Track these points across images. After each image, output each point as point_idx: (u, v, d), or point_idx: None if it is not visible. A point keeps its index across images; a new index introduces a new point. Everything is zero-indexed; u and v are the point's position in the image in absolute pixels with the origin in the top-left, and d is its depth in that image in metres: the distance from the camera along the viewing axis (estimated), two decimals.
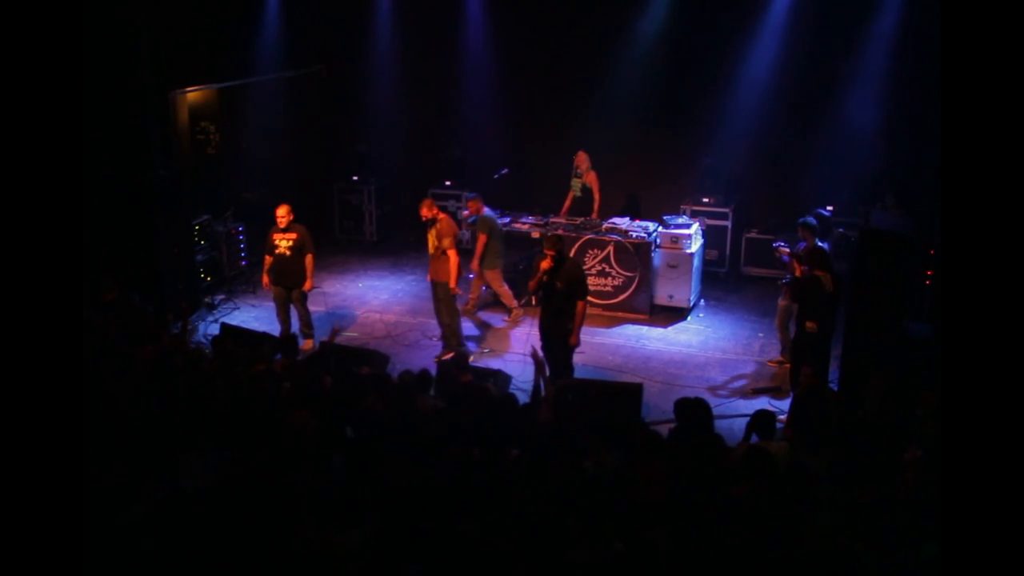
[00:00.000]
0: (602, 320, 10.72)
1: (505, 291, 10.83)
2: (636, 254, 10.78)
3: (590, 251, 10.91)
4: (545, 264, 8.17)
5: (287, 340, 8.55)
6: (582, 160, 11.62)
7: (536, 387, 7.18)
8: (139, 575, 4.27)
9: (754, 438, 6.35)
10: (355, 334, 10.50)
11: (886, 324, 7.87)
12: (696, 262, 10.97)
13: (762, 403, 8.52)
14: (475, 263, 10.60)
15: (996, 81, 3.36)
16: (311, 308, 10.10)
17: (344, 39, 13.46)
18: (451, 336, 9.72)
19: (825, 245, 9.24)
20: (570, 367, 8.48)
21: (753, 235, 12.05)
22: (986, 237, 3.35)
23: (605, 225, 11.08)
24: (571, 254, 10.58)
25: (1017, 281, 3.27)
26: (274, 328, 9.92)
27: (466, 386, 7.27)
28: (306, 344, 9.82)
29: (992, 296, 3.31)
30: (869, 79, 11.25)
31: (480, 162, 13.01)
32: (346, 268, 12.84)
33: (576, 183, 11.72)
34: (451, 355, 9.68)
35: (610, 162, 11.86)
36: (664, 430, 6.78)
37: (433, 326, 10.42)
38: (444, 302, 9.62)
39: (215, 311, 11.12)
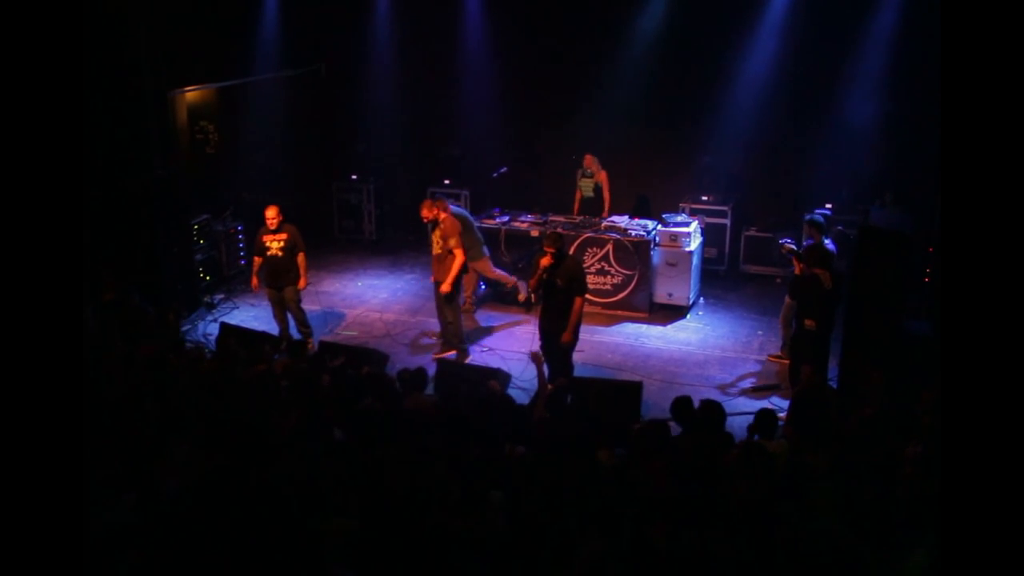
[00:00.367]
0: (601, 318, 10.72)
1: (499, 274, 10.88)
2: (635, 252, 10.78)
3: (589, 249, 10.92)
4: (545, 261, 8.17)
5: (294, 345, 8.54)
6: (591, 161, 11.66)
7: (540, 390, 7.22)
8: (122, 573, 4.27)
9: (755, 438, 6.37)
10: (354, 333, 10.50)
11: (885, 322, 7.87)
12: (695, 260, 10.97)
13: (762, 401, 8.53)
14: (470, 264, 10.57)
15: (997, 77, 3.36)
16: (306, 307, 10.08)
17: (343, 38, 13.45)
18: (453, 335, 9.72)
19: (831, 244, 9.26)
20: (570, 365, 8.49)
21: (752, 233, 12.05)
22: (986, 234, 3.35)
23: (604, 224, 11.09)
24: (570, 252, 10.59)
25: (1017, 278, 3.27)
26: (273, 327, 9.93)
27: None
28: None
29: (992, 293, 3.31)
30: (868, 77, 11.25)
31: (479, 161, 13.01)
32: (345, 267, 12.84)
33: (587, 183, 11.74)
34: (450, 353, 9.72)
35: (609, 160, 11.86)
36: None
37: (432, 324, 10.44)
38: (446, 300, 9.62)
39: (214, 310, 11.12)
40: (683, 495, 5.12)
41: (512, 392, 8.03)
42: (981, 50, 3.39)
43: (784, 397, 8.57)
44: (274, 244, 9.68)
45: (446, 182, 13.37)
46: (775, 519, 4.83)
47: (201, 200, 11.82)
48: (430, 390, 7.99)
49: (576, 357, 8.72)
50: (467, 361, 9.52)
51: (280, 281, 9.77)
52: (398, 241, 13.71)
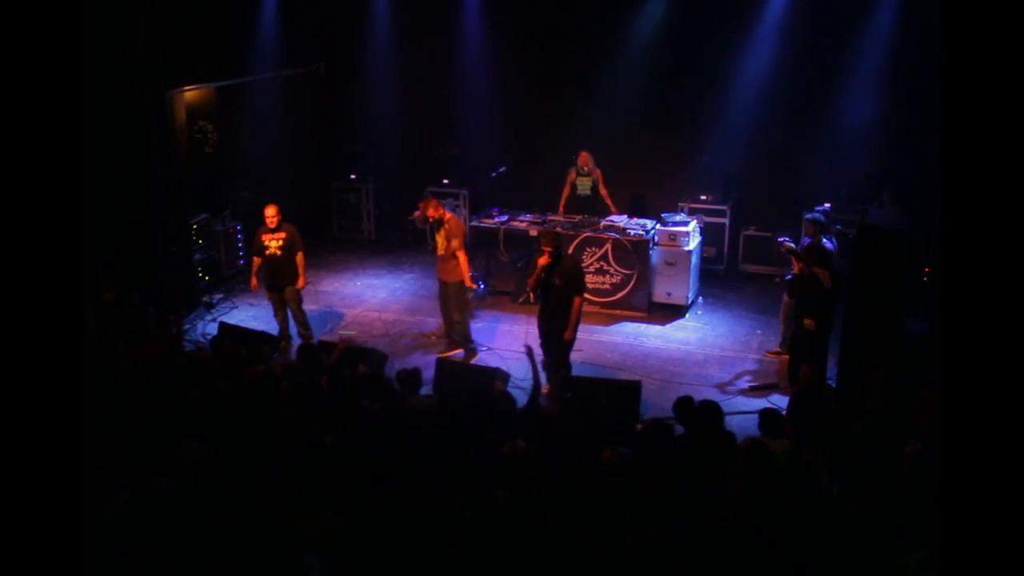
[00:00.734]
0: (600, 318, 10.72)
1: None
2: (634, 252, 10.79)
3: (588, 249, 10.92)
4: (543, 260, 8.17)
5: (304, 349, 8.54)
6: (586, 160, 11.63)
7: (535, 383, 7.19)
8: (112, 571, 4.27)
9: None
10: (353, 332, 10.50)
11: (884, 321, 7.88)
12: (694, 259, 10.98)
13: (762, 399, 8.53)
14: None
15: (997, 74, 3.36)
16: (307, 307, 10.08)
17: (341, 38, 13.45)
18: (461, 335, 9.72)
19: (829, 242, 9.27)
20: (567, 365, 8.49)
21: (751, 232, 12.07)
22: (986, 233, 3.35)
23: (603, 223, 11.09)
24: (569, 252, 10.60)
25: (1017, 277, 3.28)
26: (272, 326, 9.93)
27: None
28: (300, 345, 9.80)
29: (992, 292, 3.32)
30: (866, 76, 11.26)
31: (478, 160, 13.01)
32: (344, 267, 12.85)
33: (584, 182, 11.71)
34: (457, 351, 9.73)
35: (608, 160, 11.86)
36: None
37: (432, 324, 10.45)
38: (455, 300, 9.60)
39: (213, 310, 11.12)
40: (685, 494, 5.13)
41: (512, 392, 8.02)
42: (981, 49, 3.40)
43: (783, 396, 8.57)
44: (272, 243, 9.67)
45: (445, 181, 13.37)
46: (775, 518, 4.84)
47: (200, 200, 11.82)
48: (427, 390, 7.98)
49: (575, 356, 8.73)
50: (473, 361, 9.54)
51: (279, 281, 9.76)
52: (397, 241, 13.71)
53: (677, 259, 10.84)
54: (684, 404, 6.54)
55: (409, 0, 13.26)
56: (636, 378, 8.71)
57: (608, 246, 10.87)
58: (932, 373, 5.99)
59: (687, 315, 10.93)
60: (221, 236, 12.02)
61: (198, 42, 11.54)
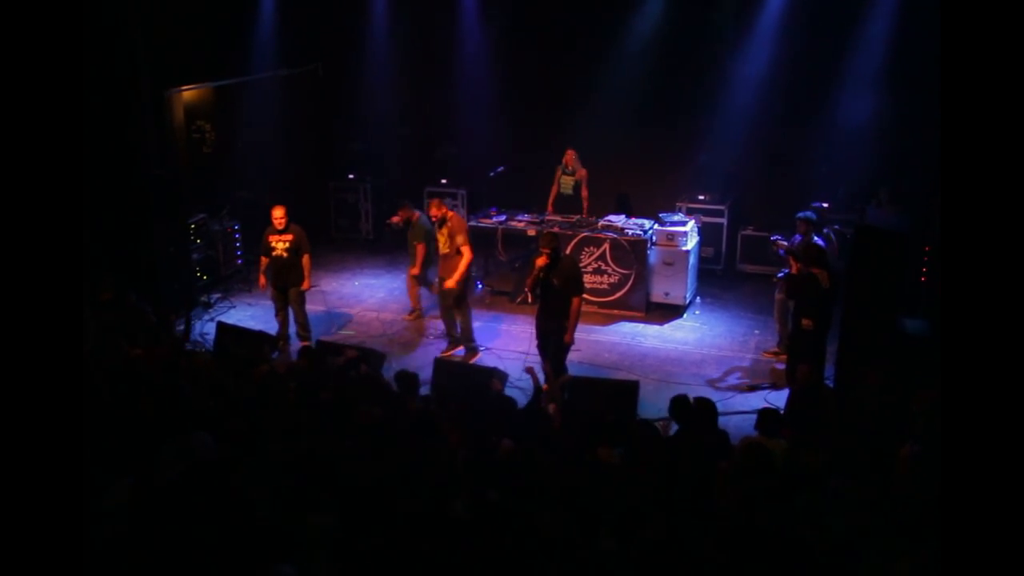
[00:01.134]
0: (598, 318, 10.73)
1: (417, 292, 10.83)
2: (632, 251, 10.80)
3: (586, 249, 10.93)
4: (541, 262, 8.19)
5: (306, 351, 8.55)
6: (571, 158, 11.60)
7: (536, 390, 7.26)
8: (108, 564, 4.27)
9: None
10: (352, 333, 10.51)
11: (881, 321, 7.89)
12: (692, 259, 10.98)
13: (759, 399, 8.54)
14: (417, 269, 10.53)
15: (997, 74, 3.36)
16: (310, 307, 10.09)
17: (340, 37, 13.45)
18: (463, 334, 9.73)
19: (820, 240, 9.28)
20: (563, 366, 8.49)
21: (749, 232, 12.08)
22: (986, 233, 3.36)
23: (601, 223, 11.10)
24: (567, 252, 10.61)
25: (1017, 277, 3.28)
26: (270, 326, 9.93)
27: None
28: (301, 347, 9.81)
29: (992, 291, 3.32)
30: (864, 76, 11.27)
31: (476, 160, 13.01)
32: (342, 266, 12.85)
33: (568, 181, 11.69)
34: (458, 349, 9.74)
35: (606, 160, 11.87)
36: (661, 427, 6.82)
37: (430, 325, 10.47)
38: (457, 300, 9.61)
39: (211, 310, 11.12)
40: (680, 493, 5.14)
41: (508, 391, 8.03)
42: (981, 48, 3.40)
43: (780, 396, 8.58)
44: (279, 244, 9.70)
45: (443, 181, 13.38)
46: (773, 517, 4.85)
47: (198, 199, 11.82)
48: (426, 390, 7.99)
49: (572, 356, 8.73)
50: (474, 360, 9.55)
51: (284, 281, 9.79)
52: (395, 240, 13.70)
53: (675, 259, 10.84)
54: (680, 403, 6.55)
55: (407, 0, 13.26)
56: (634, 378, 8.72)
57: (606, 246, 10.88)
58: (930, 373, 6.01)
59: (685, 315, 10.94)
60: (219, 236, 12.02)
61: (196, 42, 11.55)
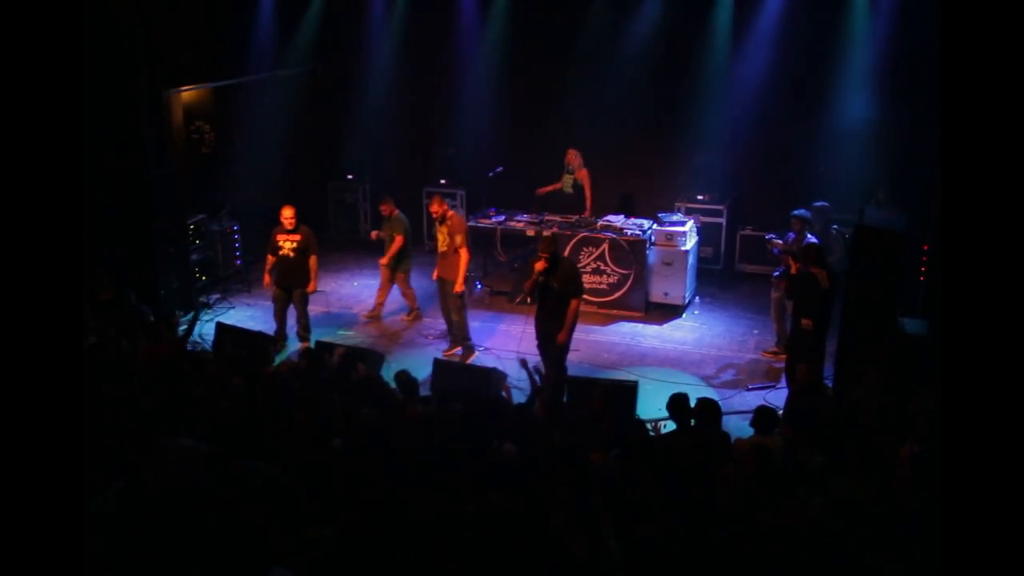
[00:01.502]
0: (597, 318, 10.73)
1: (411, 292, 10.86)
2: (631, 251, 10.80)
3: (585, 249, 10.93)
4: (539, 266, 8.19)
5: (307, 353, 8.54)
6: (573, 157, 11.60)
7: (533, 389, 7.25)
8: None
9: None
10: (351, 333, 10.50)
11: (881, 320, 7.89)
12: (691, 259, 10.99)
13: (758, 399, 8.54)
14: (386, 259, 10.56)
15: (997, 74, 3.36)
16: (310, 308, 10.09)
17: (338, 38, 13.44)
18: (459, 333, 9.74)
19: (814, 238, 9.30)
20: (563, 367, 8.49)
21: (748, 232, 12.07)
22: (986, 233, 3.36)
23: (600, 223, 11.10)
24: (566, 252, 10.62)
25: (1017, 277, 3.28)
26: (269, 327, 9.92)
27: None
28: (302, 348, 9.81)
29: (992, 291, 3.32)
30: (862, 76, 11.27)
31: (475, 160, 13.00)
32: (341, 267, 12.84)
33: (568, 179, 11.69)
34: (457, 349, 9.74)
35: (605, 159, 11.87)
36: (661, 427, 6.82)
37: (428, 325, 10.46)
38: (454, 298, 9.61)
39: (210, 310, 11.11)
40: (678, 494, 5.13)
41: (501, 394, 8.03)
42: (980, 47, 3.40)
43: (780, 395, 8.58)
44: (287, 244, 9.70)
45: (442, 181, 13.37)
46: (771, 517, 4.85)
47: (197, 200, 11.82)
48: (425, 390, 7.99)
49: (571, 356, 8.73)
50: (470, 360, 9.55)
51: (288, 281, 9.79)
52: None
53: (674, 259, 10.85)
54: (678, 402, 6.54)
55: (406, 0, 13.25)
56: (633, 378, 8.71)
57: (605, 246, 10.88)
58: (928, 372, 6.02)
59: (684, 315, 10.95)
60: (218, 236, 12.01)
61: (195, 42, 11.55)
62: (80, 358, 3.52)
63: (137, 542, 4.34)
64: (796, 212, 9.61)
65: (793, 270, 8.59)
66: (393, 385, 7.25)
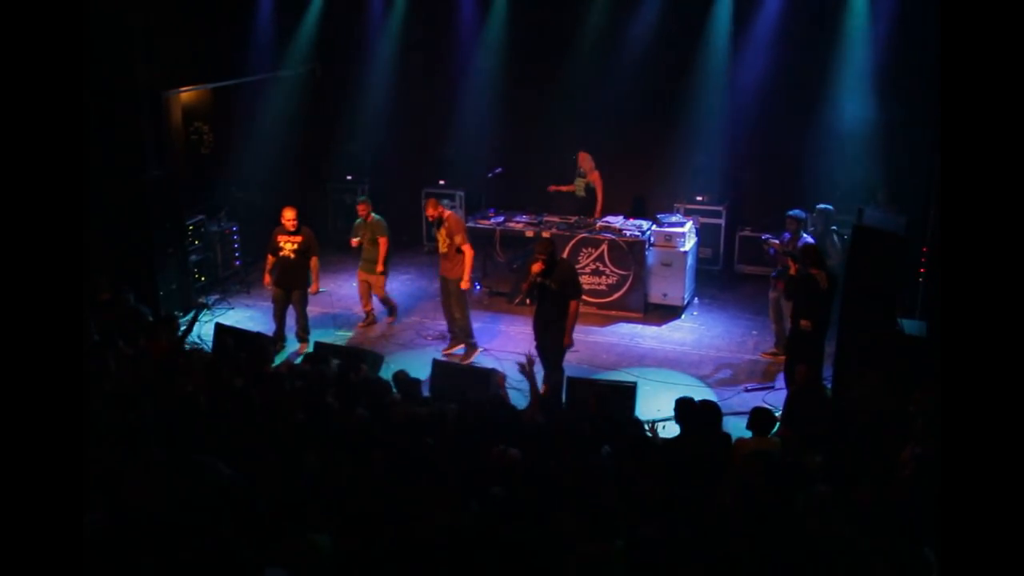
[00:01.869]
0: (596, 319, 10.74)
1: (392, 302, 10.84)
2: (630, 252, 10.80)
3: (584, 250, 10.93)
4: (536, 267, 8.19)
5: (308, 354, 8.56)
6: (584, 160, 11.62)
7: (533, 393, 7.26)
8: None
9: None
10: (350, 333, 10.50)
11: (879, 321, 7.90)
12: (690, 260, 10.99)
13: (757, 400, 8.55)
14: (381, 266, 10.49)
15: (996, 75, 3.36)
16: (309, 308, 10.09)
17: (338, 38, 13.44)
18: (462, 331, 9.75)
19: (809, 238, 9.30)
20: (561, 369, 8.48)
21: (747, 233, 12.07)
22: (985, 232, 3.36)
23: (599, 224, 11.10)
24: (565, 253, 10.62)
25: (1016, 277, 3.28)
26: (268, 327, 9.93)
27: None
28: (301, 348, 9.83)
29: (991, 291, 3.32)
30: (862, 77, 11.27)
31: (474, 161, 13.01)
32: (341, 267, 12.82)
33: (580, 183, 11.71)
34: (459, 347, 9.75)
35: (604, 160, 11.86)
36: (660, 428, 6.82)
37: (428, 325, 10.45)
38: (456, 297, 9.62)
39: (209, 311, 11.10)
40: (679, 495, 5.13)
41: (508, 391, 8.03)
42: (980, 48, 3.40)
43: (779, 396, 8.59)
44: (287, 245, 9.72)
45: (441, 182, 13.36)
46: (770, 518, 4.85)
47: (196, 201, 11.82)
48: (425, 391, 7.99)
49: (570, 357, 8.73)
50: (472, 359, 9.55)
51: (288, 282, 9.80)
52: (393, 241, 13.67)
53: (673, 260, 10.85)
54: (684, 404, 6.55)
55: (405, 1, 13.25)
56: (632, 379, 8.72)
57: (604, 247, 10.88)
58: (927, 373, 6.02)
59: (683, 316, 10.95)
60: (217, 237, 12.01)
61: (194, 43, 11.53)
62: (80, 359, 3.51)
63: (125, 558, 4.31)
64: (791, 212, 9.63)
65: (792, 271, 8.60)
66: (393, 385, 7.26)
